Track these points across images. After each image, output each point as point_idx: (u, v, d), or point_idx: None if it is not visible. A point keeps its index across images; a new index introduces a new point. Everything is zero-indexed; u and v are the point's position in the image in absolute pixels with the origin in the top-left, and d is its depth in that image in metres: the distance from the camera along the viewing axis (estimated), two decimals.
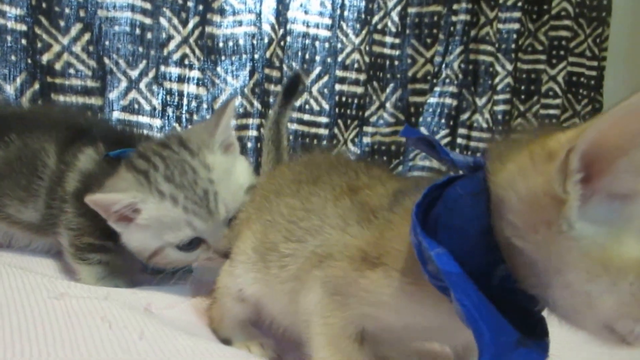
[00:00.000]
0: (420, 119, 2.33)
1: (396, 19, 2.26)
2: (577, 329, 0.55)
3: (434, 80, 2.32)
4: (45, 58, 1.71)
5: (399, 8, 2.26)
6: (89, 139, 1.13)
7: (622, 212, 0.48)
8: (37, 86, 1.69)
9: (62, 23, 1.74)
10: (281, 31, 2.06)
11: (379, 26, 2.24)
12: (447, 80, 2.32)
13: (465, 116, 2.36)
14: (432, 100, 2.33)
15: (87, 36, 1.76)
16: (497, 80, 2.38)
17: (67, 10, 1.74)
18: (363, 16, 2.19)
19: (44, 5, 1.71)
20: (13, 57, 1.67)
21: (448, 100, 2.33)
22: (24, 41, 1.68)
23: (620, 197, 0.48)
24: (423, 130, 2.34)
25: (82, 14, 1.76)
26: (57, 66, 1.73)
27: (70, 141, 1.13)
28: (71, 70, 1.75)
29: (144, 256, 1.01)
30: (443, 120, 2.34)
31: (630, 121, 0.44)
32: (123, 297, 0.95)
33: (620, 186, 0.48)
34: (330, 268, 0.67)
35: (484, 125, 2.37)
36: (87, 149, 1.11)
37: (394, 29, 2.27)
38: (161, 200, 0.95)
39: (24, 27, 1.68)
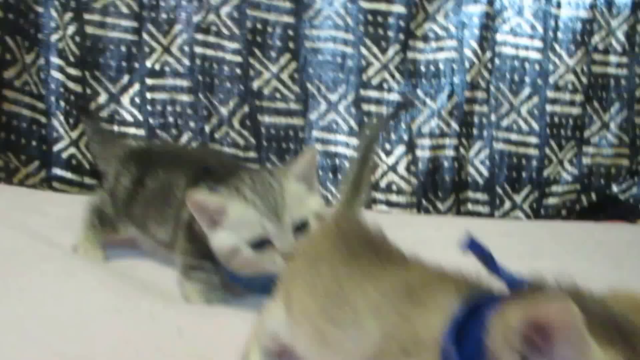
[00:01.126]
0: None
1: (622, 37, 2.18)
2: None
3: None
4: (255, 84, 1.99)
5: (625, 27, 2.17)
6: (209, 180, 1.34)
7: None
8: (246, 109, 1.98)
9: (272, 54, 2.01)
10: (488, 54, 2.11)
11: (600, 46, 2.17)
12: None
13: None
14: None
15: (293, 65, 2.01)
16: None
17: (278, 43, 2.01)
18: (579, 37, 2.14)
19: (258, 39, 2.00)
20: (228, 84, 1.97)
21: None
22: (238, 70, 1.98)
23: None
24: None
25: (290, 45, 2.01)
26: (266, 91, 2.00)
27: (196, 179, 1.34)
28: (277, 95, 2.01)
29: (224, 257, 1.21)
30: None
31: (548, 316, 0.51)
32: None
33: None
34: None
35: None
36: (204, 188, 1.32)
37: (619, 48, 2.18)
38: (244, 203, 1.18)
39: (239, 59, 1.98)
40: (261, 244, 1.16)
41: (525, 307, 0.53)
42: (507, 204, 2.15)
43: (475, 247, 0.68)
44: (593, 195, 2.19)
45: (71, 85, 1.88)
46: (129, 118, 1.94)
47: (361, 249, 0.82)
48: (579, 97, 2.14)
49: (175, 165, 1.41)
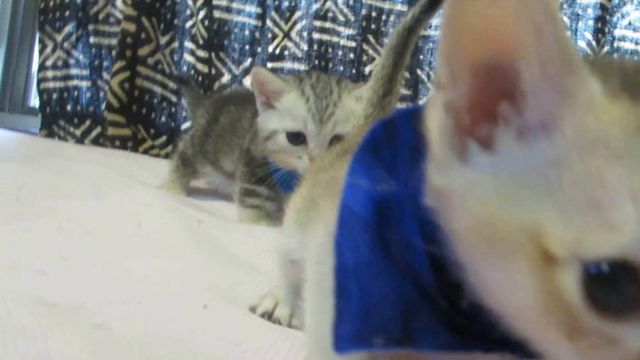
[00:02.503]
0: None
1: None
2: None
3: None
4: (367, 69, 2.08)
5: None
6: None
7: (526, 155, 0.31)
8: None
9: (386, 40, 2.09)
10: (606, 48, 2.10)
11: None
12: None
13: None
14: None
15: None
16: None
17: (391, 30, 2.10)
18: None
19: (372, 26, 2.09)
20: (341, 68, 2.08)
21: None
22: (351, 55, 2.08)
23: (534, 132, 0.31)
24: None
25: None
26: None
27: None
28: None
29: (263, 138, 1.32)
30: None
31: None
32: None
33: (534, 113, 0.31)
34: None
35: None
36: None
37: None
38: (300, 95, 1.28)
39: (353, 44, 2.08)
40: (297, 138, 1.28)
41: None
42: None
43: None
44: None
45: (199, 66, 2.05)
46: None
47: None
48: None
49: (246, 101, 1.52)
